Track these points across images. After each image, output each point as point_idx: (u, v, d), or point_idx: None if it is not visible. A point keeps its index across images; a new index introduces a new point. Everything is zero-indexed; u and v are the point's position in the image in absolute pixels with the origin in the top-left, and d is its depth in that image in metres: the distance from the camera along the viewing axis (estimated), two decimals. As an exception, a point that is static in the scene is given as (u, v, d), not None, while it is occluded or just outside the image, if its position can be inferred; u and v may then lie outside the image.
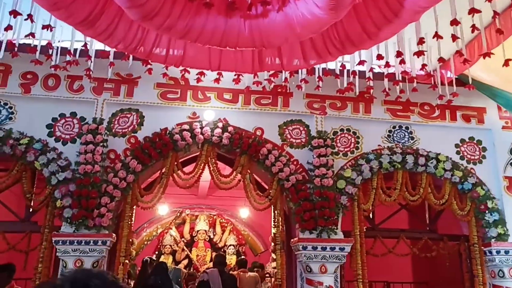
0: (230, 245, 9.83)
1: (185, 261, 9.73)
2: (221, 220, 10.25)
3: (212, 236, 10.06)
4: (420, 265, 7.76)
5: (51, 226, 4.91)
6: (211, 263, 8.58)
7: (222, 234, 10.09)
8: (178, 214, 9.99)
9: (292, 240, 5.48)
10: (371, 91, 5.09)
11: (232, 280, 6.13)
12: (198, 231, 9.89)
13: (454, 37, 3.57)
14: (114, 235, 5.00)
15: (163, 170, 5.28)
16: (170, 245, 9.70)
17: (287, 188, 5.44)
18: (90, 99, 5.34)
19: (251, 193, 5.49)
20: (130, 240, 6.07)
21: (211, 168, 5.45)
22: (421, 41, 3.76)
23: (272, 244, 6.61)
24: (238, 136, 5.46)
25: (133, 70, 5.37)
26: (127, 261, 4.94)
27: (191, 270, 8.63)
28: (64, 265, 4.76)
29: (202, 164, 5.39)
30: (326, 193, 5.33)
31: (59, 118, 5.28)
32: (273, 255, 6.34)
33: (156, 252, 9.88)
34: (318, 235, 5.27)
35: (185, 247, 9.73)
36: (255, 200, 5.51)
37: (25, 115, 5.21)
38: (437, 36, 3.59)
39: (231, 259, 9.62)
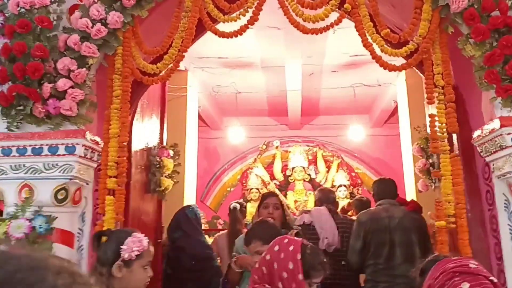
0: (340, 186, 6.95)
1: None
2: (324, 153, 7.39)
3: (313, 176, 7.30)
4: None
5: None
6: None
7: (328, 172, 7.25)
8: (264, 146, 7.37)
9: (478, 132, 2.41)
10: None
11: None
12: (293, 168, 7.15)
13: None
14: (94, 138, 2.48)
15: (184, 7, 2.55)
16: (257, 189, 7.16)
17: (457, 15, 2.36)
18: None
19: (372, 36, 2.49)
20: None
21: (282, -8, 2.58)
22: None
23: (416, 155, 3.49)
24: None
25: None
26: (117, 185, 2.37)
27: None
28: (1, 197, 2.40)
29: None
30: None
31: None
32: (419, 187, 3.34)
33: (241, 200, 7.50)
34: (550, 110, 2.15)
35: (277, 191, 7.14)
36: (383, 49, 2.50)
37: None
38: None
39: (343, 205, 6.83)
